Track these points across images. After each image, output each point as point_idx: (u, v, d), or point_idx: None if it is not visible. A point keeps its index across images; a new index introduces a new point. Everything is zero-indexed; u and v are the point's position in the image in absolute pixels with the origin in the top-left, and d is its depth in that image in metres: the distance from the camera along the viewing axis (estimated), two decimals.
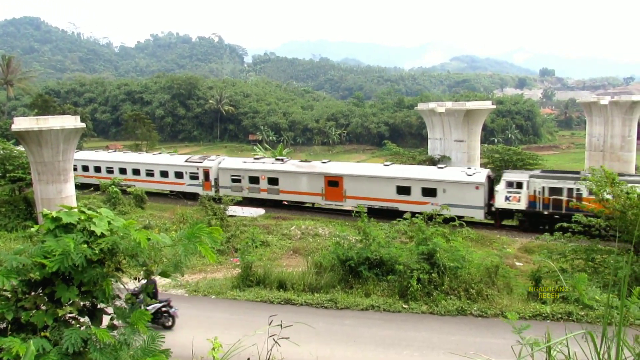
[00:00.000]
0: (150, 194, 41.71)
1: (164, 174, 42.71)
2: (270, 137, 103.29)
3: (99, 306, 4.02)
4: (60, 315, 3.68)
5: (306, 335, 10.74)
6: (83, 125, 29.99)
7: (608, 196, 17.39)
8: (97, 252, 3.69)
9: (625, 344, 2.86)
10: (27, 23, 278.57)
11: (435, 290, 15.03)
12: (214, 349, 4.52)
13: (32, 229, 4.15)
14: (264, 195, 37.81)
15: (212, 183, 39.84)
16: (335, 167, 36.78)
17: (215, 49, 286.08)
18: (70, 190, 29.33)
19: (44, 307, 3.74)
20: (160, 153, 50.14)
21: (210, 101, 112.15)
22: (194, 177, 40.90)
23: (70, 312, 3.78)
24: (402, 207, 32.07)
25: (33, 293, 3.78)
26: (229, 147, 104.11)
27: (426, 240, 15.98)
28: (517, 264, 24.68)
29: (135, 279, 4.14)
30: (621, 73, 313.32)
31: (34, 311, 3.67)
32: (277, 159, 39.67)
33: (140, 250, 3.73)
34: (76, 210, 3.98)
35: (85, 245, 3.68)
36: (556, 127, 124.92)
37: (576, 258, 17.60)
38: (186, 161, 42.17)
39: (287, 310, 14.64)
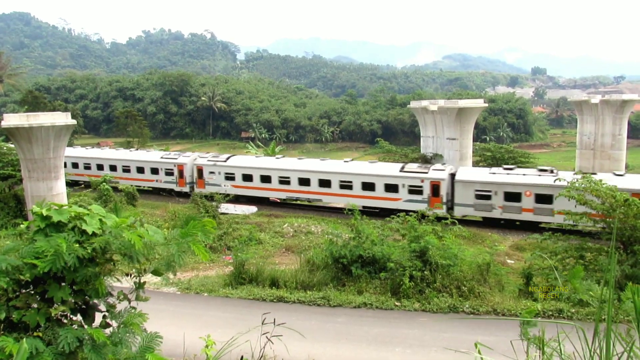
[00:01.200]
0: (141, 191, 41.38)
1: (368, 186, 34.21)
2: (263, 135, 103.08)
3: (91, 304, 3.99)
4: (52, 314, 3.65)
5: (298, 333, 10.73)
6: (74, 122, 29.76)
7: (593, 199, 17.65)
8: (89, 251, 3.65)
9: (623, 338, 2.88)
10: (17, 18, 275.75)
11: (427, 288, 15.08)
12: (207, 346, 4.50)
13: (21, 226, 4.10)
14: (527, 217, 29.85)
15: (444, 199, 32.06)
16: None
17: (207, 46, 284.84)
18: (61, 187, 29.13)
19: (35, 306, 3.71)
20: (352, 159, 40.93)
21: (203, 98, 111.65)
22: (414, 191, 32.74)
23: (63, 311, 3.74)
24: None
25: (24, 291, 3.74)
26: (221, 144, 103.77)
27: (418, 238, 16.02)
28: (509, 261, 24.85)
29: (127, 275, 4.11)
30: (612, 72, 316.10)
31: (25, 310, 3.63)
32: (541, 170, 31.31)
33: (134, 252, 3.70)
34: (66, 207, 3.93)
35: (77, 245, 3.63)
36: (547, 126, 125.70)
37: (567, 256, 17.76)
38: (403, 170, 33.63)
39: (280, 308, 14.62)
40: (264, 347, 5.32)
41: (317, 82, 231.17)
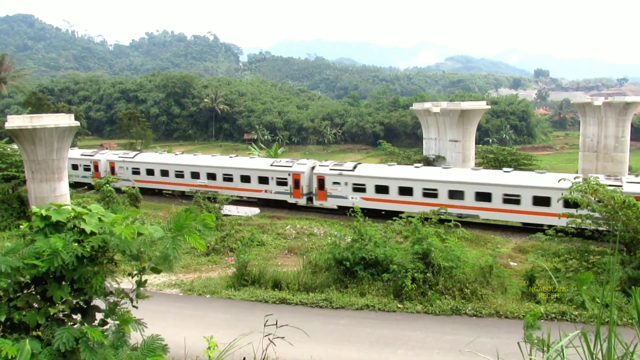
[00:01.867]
0: (144, 191, 41.33)
1: (541, 201, 29.21)
2: (266, 137, 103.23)
3: (92, 303, 3.99)
4: (52, 313, 3.66)
5: (301, 335, 10.73)
6: (77, 123, 29.86)
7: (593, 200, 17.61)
8: (88, 250, 3.66)
9: (621, 342, 2.87)
10: (20, 20, 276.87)
11: (430, 290, 15.05)
12: (209, 348, 4.50)
13: (22, 227, 4.11)
14: None
15: None
16: None
17: (210, 48, 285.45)
18: (64, 188, 29.20)
19: (36, 306, 3.71)
20: (513, 169, 34.20)
21: (205, 100, 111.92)
22: None
23: (63, 311, 3.75)
24: None
25: (25, 292, 3.75)
26: (224, 146, 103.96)
27: (421, 240, 15.98)
28: (512, 263, 24.79)
29: (129, 274, 4.11)
30: (614, 74, 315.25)
31: (26, 310, 3.64)
32: None
33: (128, 246, 3.69)
34: (66, 207, 3.94)
35: (76, 244, 3.65)
36: (550, 128, 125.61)
37: (570, 258, 17.70)
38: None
39: (282, 309, 14.60)
40: (266, 349, 5.32)
41: (320, 84, 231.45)
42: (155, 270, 4.00)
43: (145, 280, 4.11)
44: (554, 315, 13.70)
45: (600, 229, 17.96)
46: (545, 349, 3.26)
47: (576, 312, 13.70)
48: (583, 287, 13.66)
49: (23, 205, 31.89)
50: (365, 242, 16.64)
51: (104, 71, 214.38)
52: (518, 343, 3.50)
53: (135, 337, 3.92)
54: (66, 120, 28.76)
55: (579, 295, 13.99)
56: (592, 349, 2.94)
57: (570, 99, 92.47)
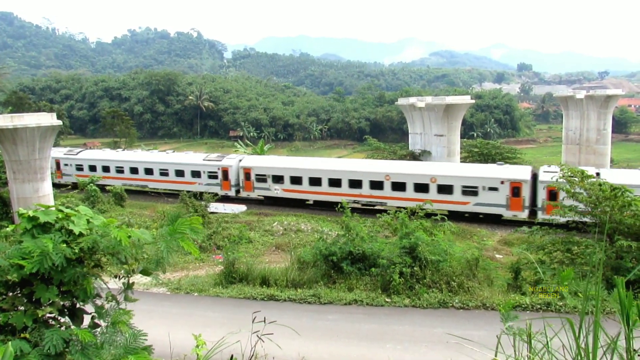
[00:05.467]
0: (129, 191, 41.02)
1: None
2: (251, 133, 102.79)
3: (79, 305, 3.95)
4: (40, 315, 3.62)
5: (290, 331, 10.74)
6: (59, 122, 29.48)
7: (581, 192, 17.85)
8: (76, 251, 3.62)
9: (604, 331, 2.92)
10: None
11: (417, 284, 15.14)
12: (197, 346, 4.48)
13: (7, 229, 4.05)
14: None
15: None
16: None
17: (194, 45, 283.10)
18: (47, 189, 28.83)
19: (22, 308, 3.67)
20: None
21: (190, 97, 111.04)
22: None
23: (50, 313, 3.71)
24: None
25: (11, 294, 3.70)
26: (209, 143, 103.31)
27: (409, 234, 16.07)
28: (497, 256, 25.07)
29: (115, 277, 4.08)
30: (596, 68, 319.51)
31: (12, 312, 3.59)
32: None
33: (121, 249, 3.67)
34: (54, 208, 3.90)
35: (65, 245, 3.61)
36: (534, 121, 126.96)
37: (554, 250, 17.95)
38: None
39: (271, 306, 14.60)
40: (254, 346, 5.31)
41: (305, 80, 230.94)
42: (145, 273, 3.98)
43: (133, 283, 4.08)
44: (539, 306, 13.89)
45: (584, 219, 18.23)
46: (527, 339, 3.29)
47: (561, 303, 13.90)
48: (565, 284, 13.85)
49: (5, 206, 31.40)
50: (353, 237, 16.68)
51: (86, 69, 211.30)
52: (497, 336, 3.51)
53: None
54: (48, 119, 28.37)
55: (566, 295, 14.18)
56: (577, 337, 2.98)
57: (553, 93, 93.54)
